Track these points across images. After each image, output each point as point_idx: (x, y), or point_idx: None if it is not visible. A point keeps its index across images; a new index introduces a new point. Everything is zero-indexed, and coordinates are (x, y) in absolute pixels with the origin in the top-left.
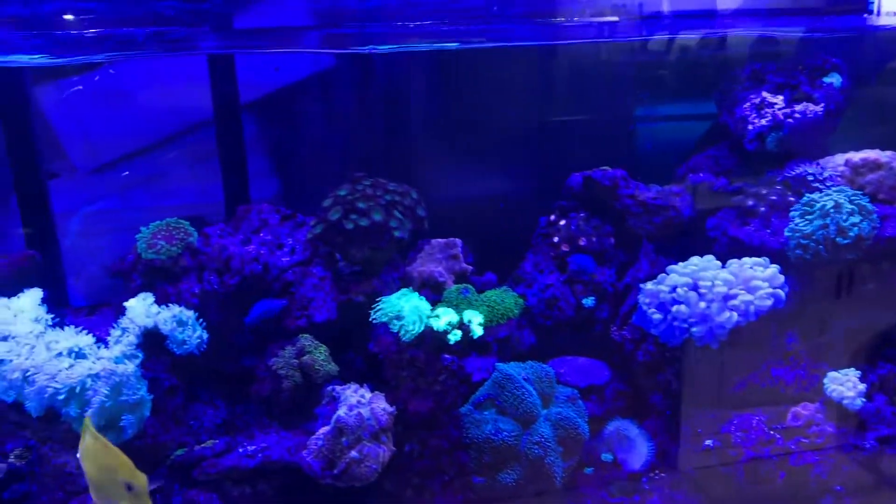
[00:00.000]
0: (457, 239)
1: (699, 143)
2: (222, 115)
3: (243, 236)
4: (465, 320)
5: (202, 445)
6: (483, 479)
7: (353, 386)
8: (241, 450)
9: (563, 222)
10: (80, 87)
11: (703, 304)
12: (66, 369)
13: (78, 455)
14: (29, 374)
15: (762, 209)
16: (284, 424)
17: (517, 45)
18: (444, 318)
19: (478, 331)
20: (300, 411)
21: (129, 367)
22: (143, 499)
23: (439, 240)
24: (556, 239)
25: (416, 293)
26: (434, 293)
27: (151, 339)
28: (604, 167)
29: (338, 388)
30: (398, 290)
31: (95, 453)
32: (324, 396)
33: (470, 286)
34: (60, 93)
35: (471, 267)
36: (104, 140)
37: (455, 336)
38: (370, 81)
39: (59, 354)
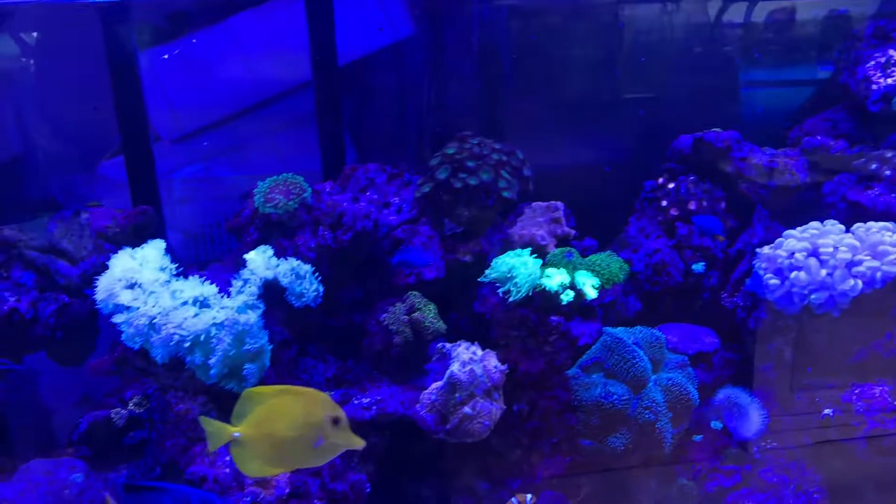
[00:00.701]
0: (558, 202)
1: (813, 106)
2: (320, 78)
3: (351, 195)
4: (578, 282)
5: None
6: (591, 442)
7: (465, 343)
8: (356, 401)
9: (671, 185)
10: (172, 54)
11: (824, 272)
12: (192, 318)
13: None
14: (155, 321)
15: (887, 173)
16: (394, 380)
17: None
18: (556, 277)
19: (591, 293)
20: (409, 367)
21: (252, 316)
22: (348, 431)
23: (540, 203)
24: (664, 203)
25: (528, 253)
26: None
27: (268, 292)
28: (714, 129)
29: (447, 344)
30: (502, 252)
31: (291, 402)
32: (433, 353)
33: (573, 250)
34: (151, 60)
35: (573, 231)
36: (198, 106)
37: (567, 296)
38: (467, 41)
39: (185, 303)
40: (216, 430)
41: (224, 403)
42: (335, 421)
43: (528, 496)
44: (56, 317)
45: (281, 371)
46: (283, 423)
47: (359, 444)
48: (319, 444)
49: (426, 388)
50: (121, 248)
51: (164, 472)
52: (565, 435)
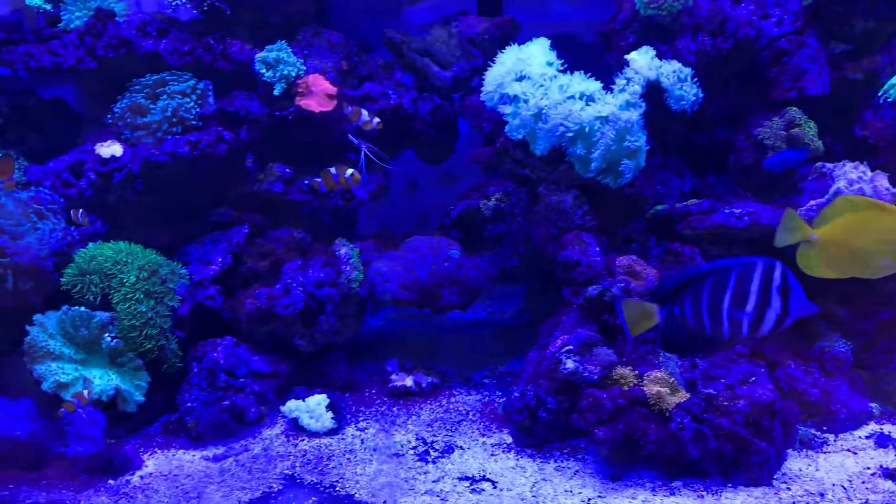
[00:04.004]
0: None
1: None
2: None
3: (730, 1)
4: None
5: (685, 203)
6: None
7: (850, 162)
8: (727, 210)
9: None
10: None
11: None
12: (578, 111)
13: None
14: (543, 111)
15: None
16: (760, 197)
17: None
18: None
19: None
20: (776, 186)
21: (634, 114)
22: None
23: None
24: None
25: None
26: None
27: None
28: None
29: (827, 164)
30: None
31: (881, 218)
32: (809, 172)
33: None
34: None
35: None
36: None
37: None
38: None
39: (571, 97)
40: (794, 225)
41: (594, 198)
42: None
43: None
44: (432, 115)
45: (648, 177)
46: (865, 234)
47: None
48: (887, 263)
49: (800, 207)
50: (487, 56)
51: (521, 261)
52: None
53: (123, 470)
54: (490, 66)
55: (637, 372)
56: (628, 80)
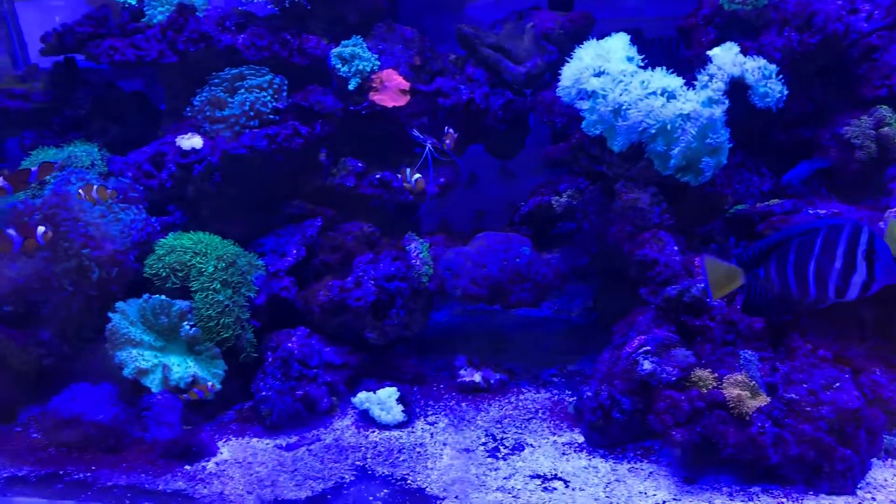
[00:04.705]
0: None
1: None
2: None
3: None
4: None
5: (767, 203)
6: None
7: None
8: (810, 210)
9: None
10: None
11: None
12: (659, 107)
13: None
14: (623, 107)
15: None
16: (844, 198)
17: None
18: None
19: None
20: (863, 188)
21: (716, 111)
22: None
23: None
24: None
25: None
26: None
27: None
28: None
29: None
30: None
31: None
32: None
33: None
34: None
35: None
36: None
37: None
38: None
39: (652, 93)
40: None
41: (672, 196)
42: None
43: None
44: (503, 111)
45: (727, 176)
46: None
47: None
48: None
49: (889, 208)
50: (562, 51)
51: (592, 260)
52: None
53: (199, 456)
54: (566, 62)
55: (716, 374)
56: (711, 76)
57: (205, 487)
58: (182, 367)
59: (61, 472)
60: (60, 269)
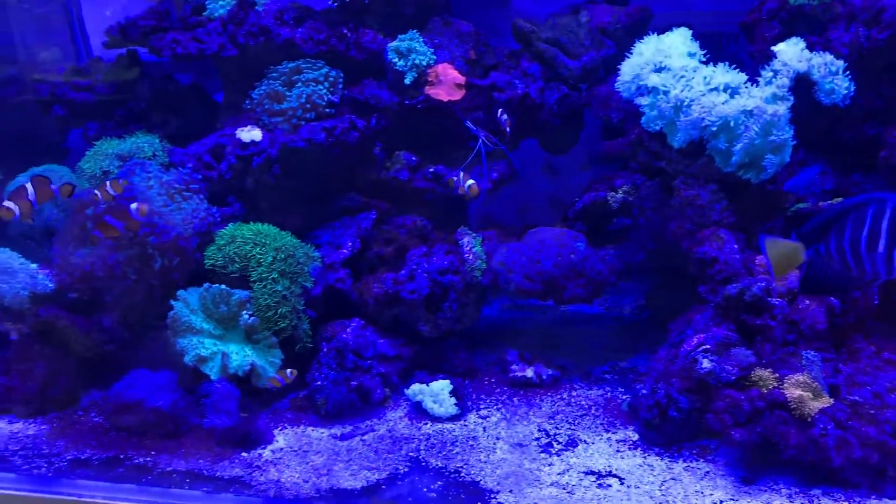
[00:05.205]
0: None
1: None
2: None
3: None
4: None
5: (830, 202)
6: None
7: None
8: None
9: None
10: None
11: None
12: (721, 103)
13: None
14: (685, 103)
15: None
16: None
17: None
18: None
19: None
20: None
21: (781, 108)
22: None
23: None
24: None
25: None
26: None
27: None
28: None
29: None
30: None
31: None
32: None
33: None
34: None
35: None
36: None
37: None
38: None
39: (714, 89)
40: None
41: (733, 193)
42: None
43: None
44: (558, 105)
45: (780, 175)
46: None
47: None
48: None
49: None
50: (618, 46)
51: (648, 257)
52: None
53: (256, 444)
54: (623, 57)
55: (777, 374)
56: (775, 72)
57: (262, 475)
58: (240, 356)
59: (122, 457)
60: (124, 257)
